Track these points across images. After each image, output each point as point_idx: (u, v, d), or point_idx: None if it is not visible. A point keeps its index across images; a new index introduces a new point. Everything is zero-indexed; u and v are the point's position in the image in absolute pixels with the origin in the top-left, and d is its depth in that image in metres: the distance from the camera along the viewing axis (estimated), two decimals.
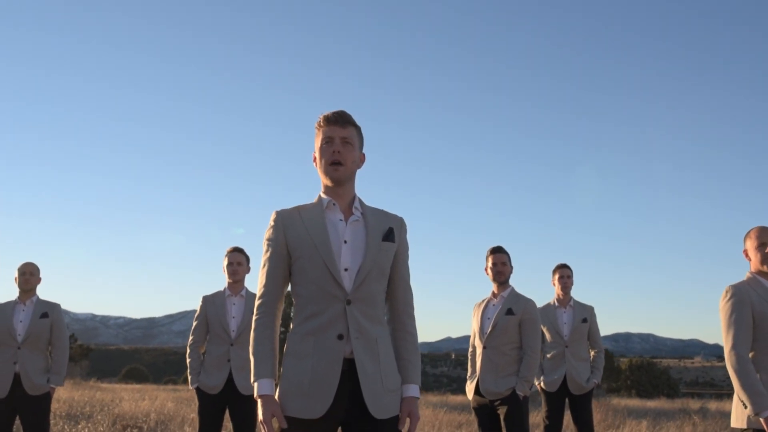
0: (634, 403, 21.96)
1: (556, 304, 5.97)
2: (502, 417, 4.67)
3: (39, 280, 5.18)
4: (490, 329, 4.80)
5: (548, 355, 5.87)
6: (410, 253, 2.58)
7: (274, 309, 2.42)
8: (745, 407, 3.19)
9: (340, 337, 2.31)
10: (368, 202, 2.54)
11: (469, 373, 5.00)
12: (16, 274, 5.12)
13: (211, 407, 4.94)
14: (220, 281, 5.20)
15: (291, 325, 2.43)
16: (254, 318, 2.41)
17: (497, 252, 4.91)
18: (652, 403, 21.82)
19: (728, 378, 3.29)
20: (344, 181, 2.45)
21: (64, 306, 5.49)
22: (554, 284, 6.02)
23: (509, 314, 4.76)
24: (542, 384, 5.82)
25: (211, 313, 5.04)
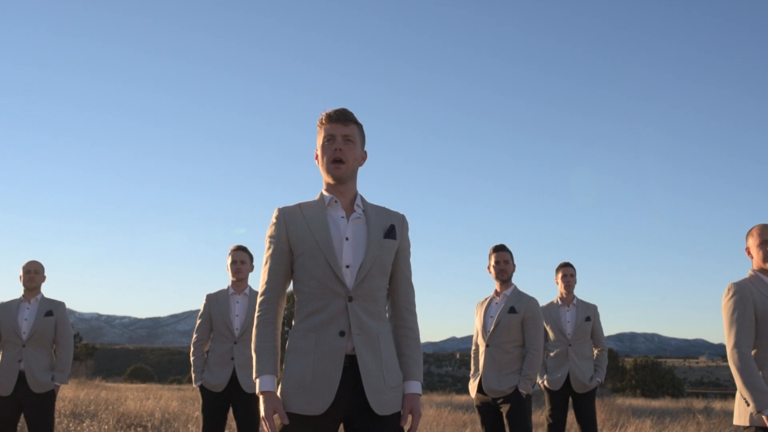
0: (639, 402, 21.93)
1: (560, 302, 5.97)
2: (504, 415, 4.68)
3: (43, 278, 5.20)
4: (492, 327, 4.81)
5: (551, 354, 5.88)
6: (415, 252, 2.59)
7: (276, 306, 2.43)
8: (748, 405, 3.19)
9: (342, 333, 2.32)
10: (370, 200, 2.56)
11: (472, 372, 5.01)
12: (20, 272, 5.15)
13: (214, 405, 4.95)
14: (224, 281, 5.22)
15: (293, 322, 2.45)
16: (256, 315, 2.42)
17: (500, 250, 4.92)
18: (656, 403, 21.78)
19: (733, 378, 3.29)
20: (346, 178, 2.46)
21: (69, 306, 5.53)
22: (557, 283, 6.03)
23: (512, 312, 4.77)
24: (545, 382, 5.83)
25: (214, 311, 5.06)
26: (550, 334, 5.92)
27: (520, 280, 5.00)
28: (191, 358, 5.08)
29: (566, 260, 6.07)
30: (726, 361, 3.36)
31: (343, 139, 2.44)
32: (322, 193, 2.51)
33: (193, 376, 5.05)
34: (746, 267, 3.50)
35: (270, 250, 2.44)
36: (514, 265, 4.94)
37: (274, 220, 2.47)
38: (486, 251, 4.97)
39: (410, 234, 2.59)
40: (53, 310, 5.13)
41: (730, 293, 3.37)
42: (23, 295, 5.14)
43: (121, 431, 8.94)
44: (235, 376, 4.92)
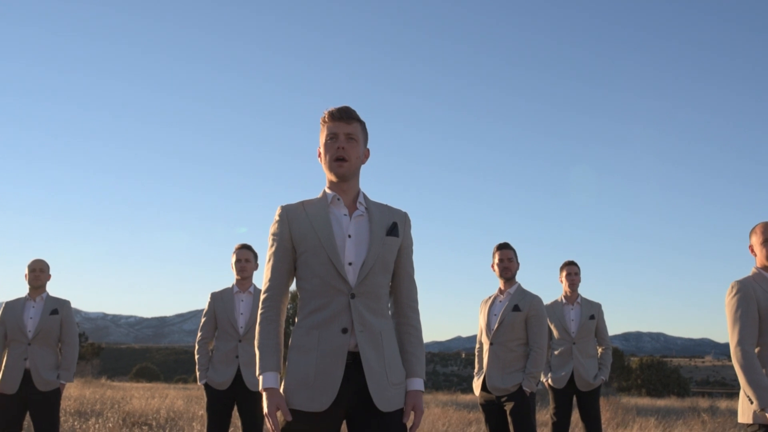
0: (644, 401, 21.89)
1: (564, 300, 5.98)
2: (508, 413, 4.68)
3: (49, 276, 5.23)
4: (496, 325, 4.82)
5: (556, 352, 5.88)
6: (418, 251, 2.60)
7: (279, 303, 2.44)
8: (751, 402, 3.19)
9: (345, 330, 2.33)
10: (372, 198, 2.56)
11: (476, 370, 5.02)
12: (26, 270, 5.18)
13: (219, 403, 4.98)
14: (230, 280, 5.24)
15: (296, 319, 2.45)
16: (259, 312, 2.44)
17: (503, 248, 4.92)
18: (662, 402, 21.74)
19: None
20: (349, 176, 2.47)
21: (75, 305, 5.55)
22: (562, 281, 6.04)
23: (516, 310, 4.78)
24: (549, 381, 5.83)
25: (219, 309, 5.08)
26: (554, 333, 5.92)
27: (523, 278, 5.00)
28: (196, 356, 5.10)
29: (571, 258, 6.08)
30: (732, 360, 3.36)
31: (346, 137, 2.45)
32: (324, 191, 2.52)
33: (197, 374, 5.07)
34: (751, 265, 3.50)
35: (273, 248, 2.46)
36: (518, 263, 4.95)
37: (277, 218, 2.48)
38: (490, 250, 4.98)
39: (413, 233, 2.60)
40: (58, 308, 5.16)
41: (734, 291, 3.37)
42: (28, 294, 5.18)
43: (127, 429, 8.97)
44: (240, 374, 4.94)
